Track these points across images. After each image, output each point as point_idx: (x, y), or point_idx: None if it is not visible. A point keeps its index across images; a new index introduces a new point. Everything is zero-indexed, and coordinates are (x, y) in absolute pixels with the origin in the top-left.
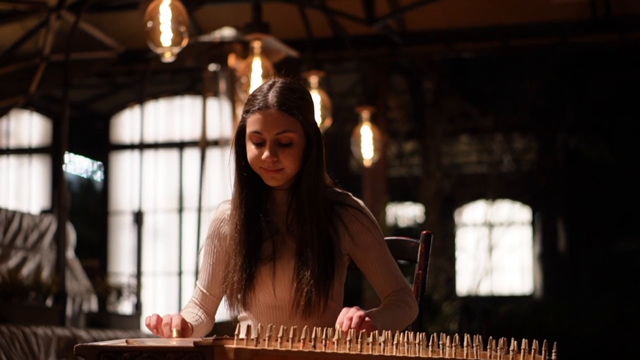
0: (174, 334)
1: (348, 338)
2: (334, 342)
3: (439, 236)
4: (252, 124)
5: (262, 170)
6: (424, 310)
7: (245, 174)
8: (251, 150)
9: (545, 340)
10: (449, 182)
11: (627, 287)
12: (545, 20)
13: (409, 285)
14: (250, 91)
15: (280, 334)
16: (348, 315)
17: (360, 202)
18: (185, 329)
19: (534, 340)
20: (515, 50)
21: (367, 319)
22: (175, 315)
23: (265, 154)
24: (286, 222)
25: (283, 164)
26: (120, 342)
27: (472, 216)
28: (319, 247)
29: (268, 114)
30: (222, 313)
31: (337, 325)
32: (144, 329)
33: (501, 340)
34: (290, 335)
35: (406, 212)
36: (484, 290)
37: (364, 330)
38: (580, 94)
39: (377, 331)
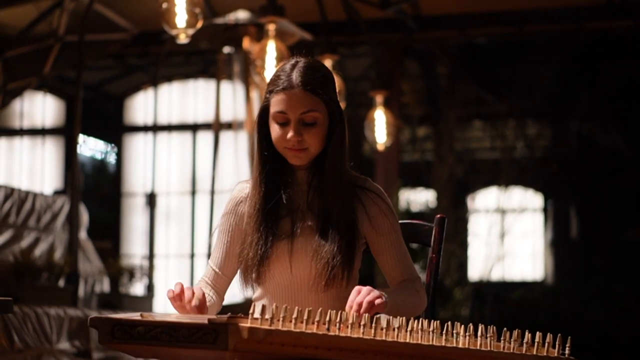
0: (194, 300)
1: (362, 322)
2: (347, 326)
3: (451, 221)
4: (276, 103)
5: (287, 150)
6: (436, 295)
7: (266, 152)
8: (275, 130)
9: (559, 335)
10: (461, 167)
11: (639, 273)
12: (560, 5)
13: (419, 276)
14: (265, 74)
15: (295, 315)
16: (358, 300)
17: (379, 187)
18: (203, 303)
19: (548, 333)
20: (529, 36)
21: (377, 300)
22: (197, 287)
23: (290, 133)
24: (307, 200)
25: (307, 143)
26: (135, 316)
27: (485, 202)
28: (342, 224)
29: (292, 94)
30: (235, 295)
31: (347, 309)
32: (156, 310)
33: (515, 332)
34: (305, 317)
35: (418, 197)
36: (496, 276)
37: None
38: (594, 80)
39: (391, 317)
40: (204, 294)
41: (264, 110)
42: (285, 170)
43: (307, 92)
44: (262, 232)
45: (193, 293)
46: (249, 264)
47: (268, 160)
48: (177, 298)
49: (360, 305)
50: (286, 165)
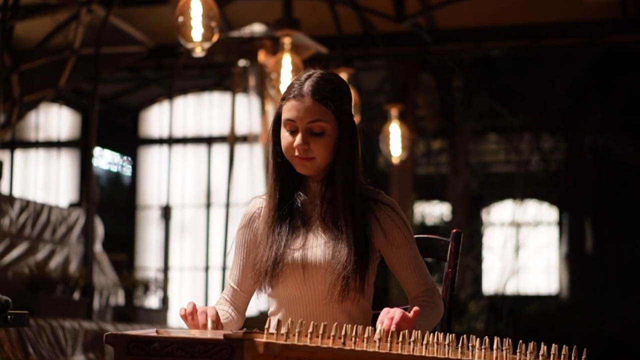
0: (209, 324)
1: (377, 337)
2: (363, 340)
3: (466, 235)
4: (287, 111)
5: (294, 158)
6: (451, 309)
7: (279, 159)
8: (285, 137)
9: (575, 347)
10: (476, 180)
11: None
12: (576, 19)
13: (436, 285)
14: (280, 87)
15: (310, 330)
16: (389, 315)
17: (393, 200)
18: (218, 323)
19: (564, 345)
20: (544, 49)
21: (409, 315)
22: (210, 307)
23: (297, 141)
24: (320, 213)
25: (314, 152)
26: (151, 332)
27: (500, 215)
28: (353, 238)
29: (302, 102)
30: (250, 308)
31: (378, 325)
32: (171, 323)
33: (531, 345)
34: (320, 331)
35: (433, 211)
36: (511, 289)
37: (404, 330)
38: (609, 93)
39: (406, 330)
40: (217, 313)
41: (277, 117)
42: (299, 181)
43: (316, 102)
44: (276, 237)
45: (206, 316)
46: (262, 267)
47: (282, 168)
48: (189, 316)
49: (391, 319)
50: (300, 176)
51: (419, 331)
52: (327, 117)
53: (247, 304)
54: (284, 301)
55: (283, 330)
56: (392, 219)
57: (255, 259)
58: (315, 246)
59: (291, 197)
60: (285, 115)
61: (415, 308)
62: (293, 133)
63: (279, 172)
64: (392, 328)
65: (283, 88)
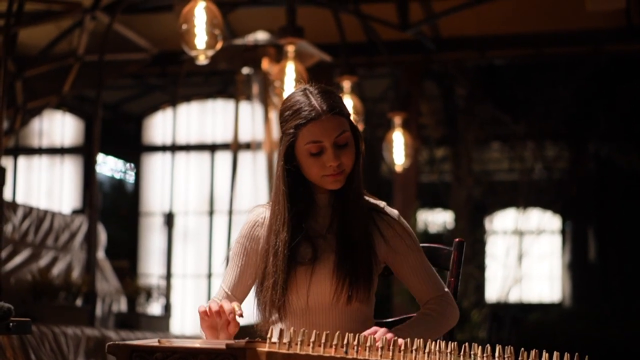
0: (237, 309)
1: (380, 345)
2: (365, 349)
3: (469, 243)
4: (309, 135)
5: (325, 178)
6: None
7: (289, 190)
8: (310, 162)
9: (577, 353)
10: (479, 189)
11: None
12: (579, 28)
13: (448, 291)
14: (284, 95)
15: (312, 339)
16: (375, 334)
17: (396, 211)
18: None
19: (565, 352)
20: (548, 57)
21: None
22: (225, 301)
23: (330, 160)
24: (329, 225)
25: (344, 164)
26: (153, 342)
27: (503, 224)
28: (361, 246)
29: (323, 121)
30: (250, 316)
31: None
32: (173, 330)
33: (533, 352)
34: (323, 340)
35: (436, 219)
36: (513, 298)
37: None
38: (612, 102)
39: (408, 339)
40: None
41: (291, 146)
42: (306, 191)
43: (335, 116)
44: (284, 262)
45: (230, 303)
46: (267, 294)
47: (292, 197)
48: (212, 315)
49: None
50: (308, 192)
51: (421, 339)
52: (346, 127)
53: None
54: (288, 310)
55: (285, 340)
56: (394, 229)
57: (261, 281)
58: (322, 258)
59: (299, 216)
60: (306, 139)
61: (400, 341)
62: (318, 155)
63: (288, 200)
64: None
65: (286, 95)
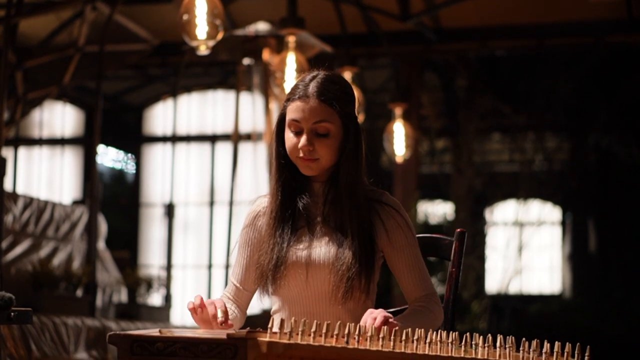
0: (219, 314)
1: (381, 335)
2: (366, 339)
3: (469, 234)
4: (292, 112)
5: (298, 159)
6: (455, 308)
7: (282, 161)
8: (289, 138)
9: (578, 344)
10: (480, 180)
11: None
12: (580, 19)
13: (435, 291)
14: (284, 86)
15: (313, 329)
16: (372, 315)
17: (397, 201)
18: (226, 314)
19: (567, 342)
20: (549, 48)
21: (391, 320)
22: (218, 300)
23: (302, 142)
24: (323, 214)
25: (319, 153)
26: (154, 332)
27: (503, 215)
28: (357, 239)
29: (307, 103)
30: (253, 307)
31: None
32: (174, 320)
33: (534, 342)
34: (324, 330)
35: (437, 210)
36: (513, 289)
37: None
38: (613, 93)
39: (409, 329)
40: (225, 304)
41: (281, 118)
42: (302, 181)
43: (322, 103)
44: (278, 239)
45: (215, 307)
46: (265, 269)
47: (285, 169)
48: (198, 308)
49: (374, 319)
50: (303, 176)
51: (422, 329)
52: (332, 118)
53: (249, 302)
54: (287, 301)
55: (286, 330)
56: (396, 220)
57: (259, 260)
58: (319, 247)
59: (294, 198)
60: (289, 116)
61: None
62: (298, 134)
63: (282, 173)
64: (375, 326)
65: (287, 87)
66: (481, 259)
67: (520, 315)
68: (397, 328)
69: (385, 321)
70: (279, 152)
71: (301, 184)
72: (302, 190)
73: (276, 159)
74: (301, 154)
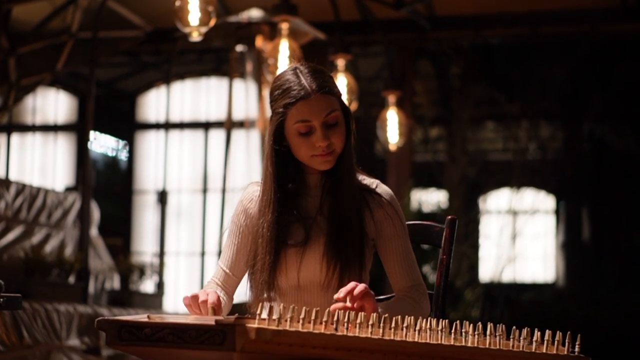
0: (210, 311)
1: (370, 322)
2: (356, 326)
3: (463, 222)
4: (297, 114)
5: (314, 158)
6: (446, 296)
7: (277, 147)
8: (298, 142)
9: (569, 332)
10: (473, 168)
11: None
12: (575, 7)
13: (423, 282)
14: (277, 73)
15: (302, 315)
16: (350, 286)
17: (389, 190)
18: (219, 308)
19: (558, 331)
20: (543, 37)
21: (372, 296)
22: (211, 293)
23: (319, 139)
24: (319, 205)
25: (334, 145)
26: (142, 318)
27: (497, 203)
28: (353, 227)
29: (312, 100)
30: (241, 294)
31: (336, 296)
32: (166, 307)
33: (524, 331)
34: (313, 317)
35: (430, 198)
36: (507, 277)
37: (362, 304)
38: (607, 82)
39: (399, 316)
40: (218, 298)
41: (279, 126)
42: (296, 172)
43: (325, 94)
44: (272, 244)
45: (207, 294)
46: (260, 270)
47: (279, 156)
48: (190, 307)
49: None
50: (298, 172)
51: (412, 317)
52: (336, 106)
53: (236, 288)
54: (279, 291)
55: (275, 316)
56: (384, 210)
57: (250, 262)
58: (314, 239)
59: (289, 196)
60: (295, 119)
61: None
62: (307, 134)
63: (277, 181)
64: (354, 294)
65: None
66: (474, 247)
67: (513, 303)
68: (373, 304)
69: (366, 292)
70: (275, 161)
71: (295, 174)
72: (298, 185)
73: (272, 167)
74: (319, 152)
